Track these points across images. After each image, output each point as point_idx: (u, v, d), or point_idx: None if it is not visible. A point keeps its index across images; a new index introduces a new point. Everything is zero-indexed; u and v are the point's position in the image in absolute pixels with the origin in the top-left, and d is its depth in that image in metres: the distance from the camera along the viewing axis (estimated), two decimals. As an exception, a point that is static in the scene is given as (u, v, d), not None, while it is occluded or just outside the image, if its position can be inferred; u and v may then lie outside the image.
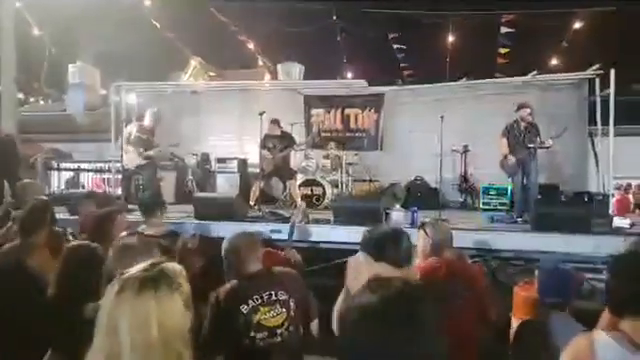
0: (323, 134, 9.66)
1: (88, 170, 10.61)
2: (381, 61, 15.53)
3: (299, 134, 8.78)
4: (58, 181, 10.44)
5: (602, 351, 1.44)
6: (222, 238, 2.72)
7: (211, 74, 13.97)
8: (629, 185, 12.11)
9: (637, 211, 10.60)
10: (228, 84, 10.82)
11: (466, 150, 8.51)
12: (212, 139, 9.96)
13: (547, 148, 6.28)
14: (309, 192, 7.67)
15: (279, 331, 2.45)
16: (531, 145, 6.14)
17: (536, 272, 2.83)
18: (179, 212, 6.35)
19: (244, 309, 2.41)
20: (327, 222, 5.80)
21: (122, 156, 7.57)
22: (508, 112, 6.59)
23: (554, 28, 13.37)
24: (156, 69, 12.70)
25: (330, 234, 5.40)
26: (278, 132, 7.79)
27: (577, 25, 12.86)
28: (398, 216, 5.69)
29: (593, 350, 1.45)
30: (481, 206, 8.17)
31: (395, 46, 14.61)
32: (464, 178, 8.55)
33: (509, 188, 7.62)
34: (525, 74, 8.40)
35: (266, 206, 7.17)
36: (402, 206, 6.41)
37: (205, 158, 9.43)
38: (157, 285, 1.27)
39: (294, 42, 14.00)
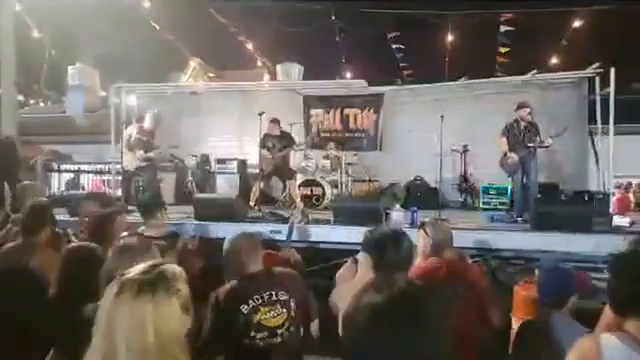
0: (322, 134, 9.66)
1: (88, 172, 10.61)
2: (380, 61, 15.52)
3: (298, 134, 8.78)
4: (58, 183, 10.43)
5: (609, 352, 1.43)
6: (222, 239, 2.72)
7: (210, 75, 13.97)
8: (629, 184, 12.11)
9: (638, 210, 10.60)
10: (227, 85, 10.83)
11: (466, 150, 8.51)
12: (212, 140, 9.96)
13: (547, 147, 6.28)
14: (309, 192, 7.67)
15: (279, 331, 2.45)
16: (531, 144, 6.14)
17: (536, 271, 2.83)
18: (179, 213, 6.35)
19: (244, 309, 2.42)
20: (327, 222, 5.80)
21: (122, 158, 7.58)
22: (508, 111, 6.59)
23: (554, 27, 13.36)
24: (156, 70, 12.71)
25: (330, 234, 5.40)
26: (277, 132, 7.79)
27: (577, 24, 12.84)
28: (398, 216, 5.68)
29: (600, 352, 1.44)
30: (481, 206, 8.17)
31: (394, 46, 14.60)
32: (464, 178, 8.55)
33: (509, 187, 7.62)
34: (525, 73, 8.39)
35: (266, 206, 7.17)
36: (402, 206, 6.41)
37: (205, 159, 9.43)
38: (155, 289, 1.26)
39: (293, 42, 14.00)
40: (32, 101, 18.83)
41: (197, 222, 5.78)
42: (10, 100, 9.39)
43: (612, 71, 7.05)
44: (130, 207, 5.96)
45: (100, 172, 10.56)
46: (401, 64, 15.21)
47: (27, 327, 2.35)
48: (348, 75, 15.62)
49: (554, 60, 14.14)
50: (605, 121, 7.21)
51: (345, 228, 5.29)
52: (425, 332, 0.98)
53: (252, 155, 8.65)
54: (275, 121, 7.79)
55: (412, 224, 5.17)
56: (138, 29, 13.08)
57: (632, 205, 10.80)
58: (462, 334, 2.12)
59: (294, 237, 4.92)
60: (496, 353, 2.75)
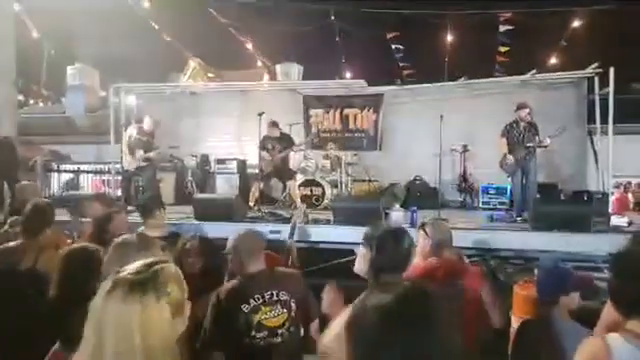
0: (322, 134, 9.66)
1: (88, 172, 10.59)
2: (380, 61, 15.52)
3: (298, 134, 8.79)
4: (58, 183, 10.43)
5: (618, 353, 1.43)
6: (221, 239, 2.72)
7: (210, 75, 13.97)
8: (629, 183, 12.11)
9: (637, 209, 10.60)
10: (227, 85, 10.83)
11: (465, 150, 8.52)
12: (211, 140, 9.96)
13: (545, 147, 6.29)
14: (309, 192, 7.67)
15: (279, 331, 2.45)
16: (530, 144, 6.15)
17: (535, 271, 2.83)
18: (179, 213, 6.36)
19: (245, 308, 2.42)
20: (327, 222, 5.81)
21: (122, 158, 7.58)
22: (507, 111, 6.60)
23: (553, 27, 13.37)
24: (155, 70, 12.71)
25: (330, 234, 5.41)
26: (277, 134, 7.80)
27: (576, 24, 12.84)
28: (398, 216, 5.69)
29: (610, 352, 1.44)
30: (480, 205, 8.19)
31: (394, 46, 14.59)
32: (463, 178, 8.56)
33: (508, 187, 7.63)
34: (524, 73, 8.40)
35: (266, 207, 7.18)
36: (401, 206, 6.42)
37: (204, 159, 9.43)
38: (145, 290, 1.24)
39: (293, 43, 13.99)
40: (32, 101, 18.81)
41: (197, 222, 5.78)
42: (10, 100, 9.39)
43: (611, 71, 7.06)
44: (130, 207, 5.97)
45: (100, 172, 10.55)
46: (401, 64, 15.20)
47: (26, 328, 2.35)
48: (348, 75, 15.62)
49: (553, 60, 14.13)
50: (604, 121, 7.21)
51: (345, 228, 5.30)
52: (435, 331, 0.99)
53: (252, 155, 8.65)
54: (274, 124, 7.80)
55: (412, 224, 5.17)
56: (138, 29, 13.08)
57: (631, 205, 10.81)
58: (462, 334, 2.13)
59: (295, 237, 4.92)
60: (496, 352, 2.75)
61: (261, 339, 2.42)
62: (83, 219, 5.04)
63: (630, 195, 11.56)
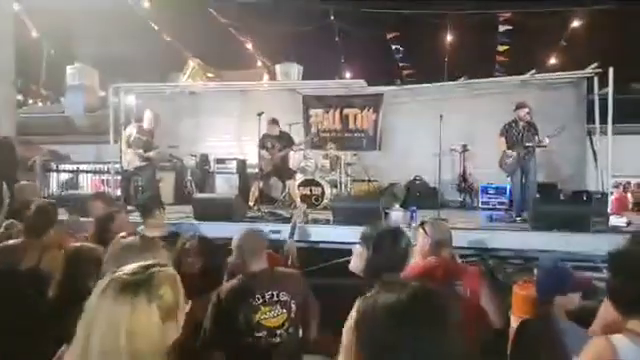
0: (322, 134, 9.66)
1: (87, 172, 10.59)
2: (379, 61, 15.53)
3: (298, 134, 8.79)
4: (57, 183, 10.42)
5: (624, 354, 1.43)
6: (221, 239, 2.72)
7: (210, 75, 13.97)
8: (628, 183, 12.12)
9: (637, 209, 10.60)
10: (227, 85, 10.82)
11: (465, 149, 8.52)
12: (211, 140, 9.95)
13: (544, 147, 6.30)
14: (308, 192, 7.66)
15: (279, 332, 2.45)
16: (529, 144, 6.15)
17: (535, 271, 2.83)
18: (178, 213, 6.36)
19: (245, 308, 2.43)
20: (326, 222, 5.81)
21: (121, 157, 7.58)
22: (507, 111, 6.60)
23: (553, 27, 13.37)
24: (155, 70, 12.71)
25: (329, 234, 5.41)
26: (277, 132, 7.79)
27: (575, 24, 12.85)
28: (397, 216, 5.70)
29: (615, 352, 1.43)
30: (480, 205, 8.19)
31: (393, 46, 14.61)
32: (463, 177, 8.56)
33: (508, 187, 7.63)
34: (524, 73, 8.40)
35: (265, 206, 7.18)
36: (401, 206, 6.42)
37: (204, 159, 9.43)
38: (136, 292, 1.23)
39: (292, 42, 13.99)
40: (31, 101, 18.80)
41: (197, 222, 5.79)
42: (9, 100, 9.39)
43: (611, 71, 7.06)
44: (129, 207, 5.96)
45: (99, 172, 10.54)
46: (400, 64, 15.21)
47: (26, 328, 2.35)
48: (347, 75, 15.63)
49: (553, 60, 14.15)
50: (604, 121, 7.21)
51: (344, 228, 5.30)
52: (445, 332, 0.99)
53: (251, 155, 8.65)
54: (274, 121, 7.79)
55: (409, 225, 5.17)
56: (137, 29, 13.08)
57: (630, 205, 10.81)
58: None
59: (295, 237, 4.93)
60: (495, 353, 2.75)
61: (260, 339, 2.42)
62: (82, 218, 5.05)
63: (629, 195, 11.57)
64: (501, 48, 13.52)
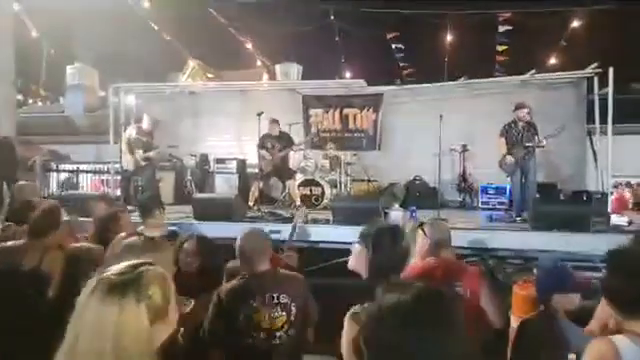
0: (322, 134, 9.66)
1: (87, 172, 10.58)
2: (379, 61, 15.52)
3: (298, 134, 8.79)
4: (57, 183, 10.42)
5: (626, 355, 1.42)
6: (221, 239, 2.72)
7: (209, 75, 13.97)
8: (628, 183, 12.11)
9: (636, 209, 10.59)
10: (226, 85, 10.82)
11: (465, 149, 8.51)
12: (211, 140, 9.95)
13: (542, 147, 6.30)
14: (308, 192, 7.67)
15: (278, 334, 2.45)
16: (529, 144, 6.15)
17: (535, 270, 2.83)
18: (178, 213, 6.36)
19: (245, 308, 2.42)
20: (326, 222, 5.81)
21: (121, 158, 7.58)
22: (507, 111, 6.59)
23: (553, 27, 13.37)
24: (154, 70, 12.69)
25: (329, 234, 5.41)
26: (277, 132, 7.80)
27: (575, 24, 12.86)
28: (397, 216, 5.70)
29: (618, 354, 1.43)
30: (480, 205, 8.19)
31: (393, 46, 14.61)
32: (463, 177, 8.56)
33: (508, 187, 7.63)
34: (524, 73, 8.40)
35: (265, 206, 7.18)
36: (401, 206, 6.42)
37: (204, 159, 9.43)
38: (124, 292, 1.21)
39: (292, 42, 13.98)
40: (31, 101, 18.80)
41: (197, 222, 5.79)
42: (9, 100, 9.38)
43: (611, 71, 7.06)
44: (129, 207, 5.96)
45: (99, 172, 10.54)
46: (400, 64, 15.22)
47: (27, 328, 2.35)
48: (347, 75, 15.63)
49: (553, 60, 14.15)
50: (604, 121, 7.21)
51: (344, 228, 5.30)
52: (451, 332, 1.00)
53: (251, 155, 8.65)
54: (275, 121, 7.80)
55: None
56: (137, 29, 13.07)
57: (630, 205, 10.80)
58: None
59: (295, 237, 4.93)
60: (495, 353, 2.75)
61: (260, 340, 2.42)
62: (82, 219, 5.04)
63: (629, 195, 11.57)
64: (501, 48, 13.53)
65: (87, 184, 10.43)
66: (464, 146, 8.50)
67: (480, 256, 4.88)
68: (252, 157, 8.55)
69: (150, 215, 3.81)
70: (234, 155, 9.07)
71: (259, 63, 15.95)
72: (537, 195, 6.31)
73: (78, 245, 2.82)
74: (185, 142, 9.37)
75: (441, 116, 6.64)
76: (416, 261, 2.65)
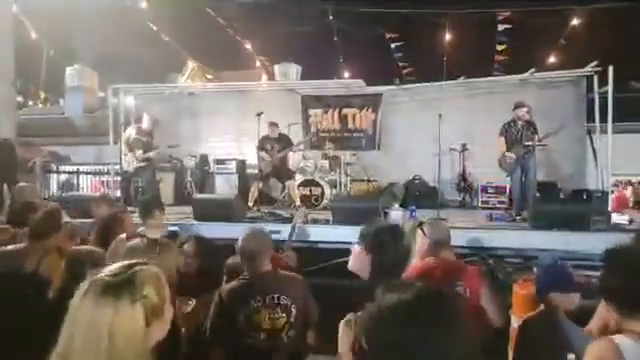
0: (321, 134, 9.66)
1: (87, 173, 10.58)
2: (378, 61, 15.52)
3: (297, 134, 8.79)
4: (57, 184, 10.42)
5: (628, 355, 1.41)
6: (220, 239, 2.72)
7: (208, 76, 13.97)
8: (629, 182, 12.11)
9: (637, 207, 10.58)
10: (225, 85, 10.82)
11: (464, 149, 8.51)
12: (210, 140, 9.96)
13: (543, 146, 6.29)
14: (308, 192, 7.67)
15: (278, 335, 2.45)
16: (528, 143, 6.14)
17: (535, 269, 2.83)
18: (178, 214, 6.36)
19: (245, 309, 2.43)
20: (326, 222, 5.81)
21: (121, 158, 7.58)
22: (506, 110, 6.59)
23: (552, 25, 13.37)
24: (154, 71, 12.69)
25: (329, 234, 5.41)
26: (276, 134, 7.82)
27: (575, 22, 12.85)
28: (397, 215, 5.70)
29: (620, 354, 1.42)
30: (480, 204, 8.18)
31: (392, 45, 14.61)
32: (463, 177, 8.56)
33: (508, 186, 7.63)
34: (523, 72, 8.39)
35: (265, 207, 7.18)
36: (401, 205, 6.42)
37: (204, 159, 9.43)
38: (119, 294, 1.21)
39: (291, 43, 13.99)
40: (30, 102, 18.79)
41: (197, 222, 5.79)
42: (9, 101, 9.38)
43: (610, 69, 7.06)
44: (129, 208, 5.96)
45: (99, 173, 10.54)
46: (399, 64, 15.21)
47: (27, 329, 2.35)
48: (346, 75, 15.62)
49: (552, 59, 14.14)
50: (603, 119, 7.21)
51: (344, 228, 5.30)
52: (450, 331, 0.99)
53: (251, 155, 8.66)
54: (274, 124, 7.84)
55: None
56: (136, 30, 13.07)
57: (630, 203, 10.80)
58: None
59: (294, 237, 4.93)
60: (495, 352, 2.75)
61: (260, 341, 2.42)
62: (82, 220, 5.05)
63: (629, 193, 11.57)
64: (500, 47, 13.52)
65: (87, 185, 10.42)
66: (463, 145, 8.50)
67: (480, 255, 4.88)
68: (251, 157, 8.56)
69: (150, 216, 3.82)
70: (233, 156, 9.07)
71: (258, 63, 15.95)
72: (537, 194, 6.30)
73: (79, 247, 2.82)
74: (185, 143, 9.37)
75: (440, 115, 6.64)
76: (415, 261, 2.64)
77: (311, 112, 9.85)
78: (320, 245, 5.34)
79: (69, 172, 10.44)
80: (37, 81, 16.53)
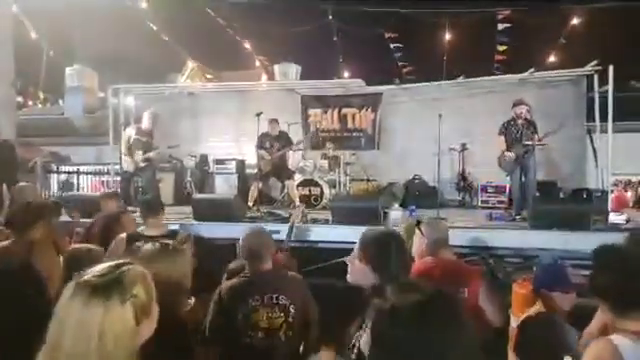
0: (320, 134, 9.66)
1: (87, 173, 10.58)
2: (378, 60, 15.52)
3: (296, 134, 8.79)
4: (58, 184, 10.42)
5: (627, 355, 1.41)
6: (220, 239, 2.72)
7: (208, 76, 13.97)
8: (628, 181, 12.12)
9: (637, 207, 10.59)
10: (225, 85, 10.83)
11: (464, 148, 8.52)
12: (210, 140, 9.97)
13: (543, 145, 6.29)
14: (307, 192, 7.67)
15: (276, 334, 2.45)
16: (528, 143, 6.14)
17: (534, 269, 2.82)
18: (178, 214, 6.35)
19: (243, 308, 2.43)
20: (325, 222, 5.80)
21: (121, 159, 7.58)
22: (506, 110, 6.58)
23: (552, 25, 13.37)
24: (153, 71, 12.70)
25: (328, 234, 5.40)
26: (276, 132, 7.81)
27: (575, 21, 12.84)
28: (396, 215, 5.69)
29: (619, 355, 1.42)
30: (479, 204, 8.18)
31: (392, 45, 14.61)
32: (462, 176, 8.56)
33: (507, 186, 7.62)
34: (523, 71, 8.39)
35: (264, 206, 7.18)
36: (400, 205, 6.41)
37: (203, 159, 9.44)
38: (108, 294, 1.21)
39: (291, 42, 13.99)
40: (30, 102, 18.79)
41: (196, 222, 5.79)
42: (9, 101, 9.38)
43: (610, 69, 7.06)
44: (130, 208, 5.96)
45: (99, 173, 10.54)
46: (399, 63, 15.21)
47: (26, 328, 2.34)
48: (346, 75, 15.62)
49: (552, 58, 14.13)
50: (603, 119, 7.21)
51: (344, 227, 5.29)
52: (455, 332, 1.00)
53: (250, 155, 8.66)
54: (274, 121, 7.81)
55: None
56: (136, 30, 13.07)
57: (630, 203, 10.81)
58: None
59: (293, 237, 4.93)
60: (495, 352, 2.74)
61: (258, 340, 2.42)
62: (82, 219, 5.05)
63: (629, 193, 11.57)
64: (500, 47, 13.51)
65: (87, 185, 10.43)
66: (463, 145, 8.50)
67: (480, 255, 4.87)
68: (251, 157, 8.56)
69: (151, 215, 3.81)
70: (233, 155, 9.08)
71: (258, 63, 15.94)
72: (537, 193, 6.29)
73: (78, 246, 2.82)
74: (184, 143, 9.37)
75: (440, 115, 6.63)
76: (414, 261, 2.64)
77: (311, 112, 9.85)
78: (319, 245, 5.33)
79: (69, 172, 10.44)
80: (37, 81, 16.52)
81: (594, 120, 7.64)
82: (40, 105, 18.35)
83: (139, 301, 1.27)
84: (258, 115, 7.10)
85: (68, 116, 13.89)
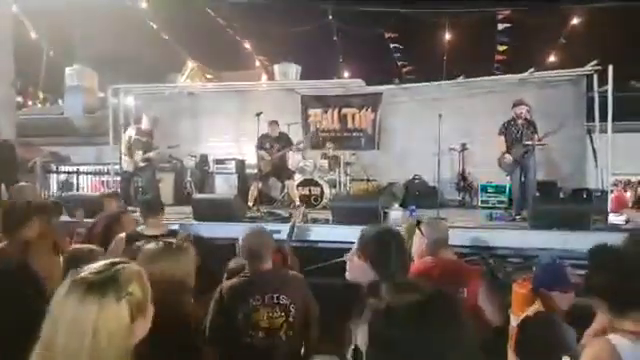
0: (320, 134, 9.66)
1: (87, 173, 10.59)
2: (378, 60, 15.52)
3: (296, 134, 8.79)
4: (58, 184, 10.43)
5: (626, 355, 1.41)
6: (220, 239, 2.72)
7: (208, 76, 13.97)
8: (628, 181, 12.12)
9: (637, 207, 10.59)
10: (225, 85, 10.83)
11: (464, 148, 8.52)
12: (210, 140, 9.97)
13: (543, 145, 6.29)
14: (307, 192, 7.67)
15: (276, 334, 2.45)
16: (528, 143, 6.14)
17: (534, 268, 2.82)
18: (178, 214, 6.36)
19: (244, 307, 2.43)
20: (325, 222, 5.81)
21: (121, 159, 7.58)
22: (506, 110, 6.58)
23: (552, 25, 13.37)
24: (153, 71, 12.70)
25: (329, 234, 5.41)
26: (276, 133, 7.82)
27: (575, 21, 12.84)
28: (396, 215, 5.69)
29: (617, 355, 1.41)
30: (479, 204, 8.18)
31: (392, 45, 14.61)
32: (462, 176, 8.56)
33: (507, 186, 7.62)
34: (523, 71, 8.39)
35: (264, 206, 7.19)
36: (400, 205, 6.42)
37: (203, 159, 9.44)
38: (104, 292, 1.21)
39: (291, 42, 13.99)
40: (30, 102, 18.79)
41: (196, 222, 5.79)
42: (8, 101, 9.38)
43: (610, 69, 7.06)
44: (130, 208, 5.96)
45: (99, 173, 10.55)
46: (399, 63, 15.21)
47: (25, 328, 2.34)
48: (346, 75, 15.62)
49: (552, 58, 14.13)
50: (603, 119, 7.21)
51: (344, 227, 5.29)
52: (455, 332, 0.99)
53: (250, 155, 8.67)
54: (274, 123, 7.83)
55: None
56: (136, 30, 13.08)
57: (630, 203, 10.81)
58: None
59: (293, 237, 4.93)
60: (495, 352, 2.75)
61: (258, 340, 2.42)
62: (82, 220, 5.05)
63: (629, 193, 11.58)
64: (500, 47, 13.51)
65: (87, 185, 10.43)
66: (463, 145, 8.51)
67: (480, 255, 4.88)
68: (251, 157, 8.56)
69: (151, 215, 3.81)
70: (233, 155, 9.09)
71: (257, 63, 15.94)
72: (537, 193, 6.30)
73: (79, 246, 2.82)
74: (184, 143, 9.38)
75: (440, 115, 6.64)
76: (414, 261, 2.64)
77: (311, 112, 9.85)
78: (320, 245, 5.34)
79: (69, 172, 10.45)
80: (37, 81, 16.53)
81: (594, 120, 7.64)
82: (40, 105, 18.35)
83: (134, 299, 1.27)
84: (258, 115, 7.11)
85: (68, 116, 13.89)
